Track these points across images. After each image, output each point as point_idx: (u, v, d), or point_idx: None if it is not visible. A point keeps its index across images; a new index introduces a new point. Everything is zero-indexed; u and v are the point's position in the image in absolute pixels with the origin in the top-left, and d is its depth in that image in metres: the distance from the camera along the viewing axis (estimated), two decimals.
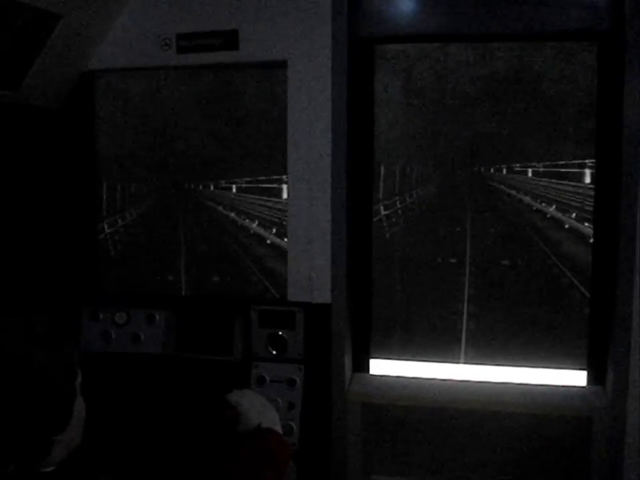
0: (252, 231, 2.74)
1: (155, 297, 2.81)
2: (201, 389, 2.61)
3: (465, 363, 2.68)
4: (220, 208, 2.76)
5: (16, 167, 2.61)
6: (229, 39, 2.54)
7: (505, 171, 2.59)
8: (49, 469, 1.42)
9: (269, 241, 2.73)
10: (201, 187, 2.78)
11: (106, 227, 2.87)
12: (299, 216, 2.57)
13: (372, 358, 2.77)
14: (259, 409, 1.76)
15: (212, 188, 2.77)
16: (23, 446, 1.36)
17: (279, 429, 1.77)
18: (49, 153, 2.74)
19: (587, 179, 2.53)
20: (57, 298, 2.74)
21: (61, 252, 2.80)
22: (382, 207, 2.70)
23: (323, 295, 2.57)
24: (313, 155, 2.53)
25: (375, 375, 2.76)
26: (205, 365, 2.65)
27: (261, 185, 2.71)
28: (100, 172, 2.85)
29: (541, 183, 2.57)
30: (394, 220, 2.71)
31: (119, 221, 2.86)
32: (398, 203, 2.69)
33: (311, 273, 2.57)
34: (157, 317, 2.73)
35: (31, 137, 2.65)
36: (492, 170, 2.60)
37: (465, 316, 2.67)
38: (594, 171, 2.52)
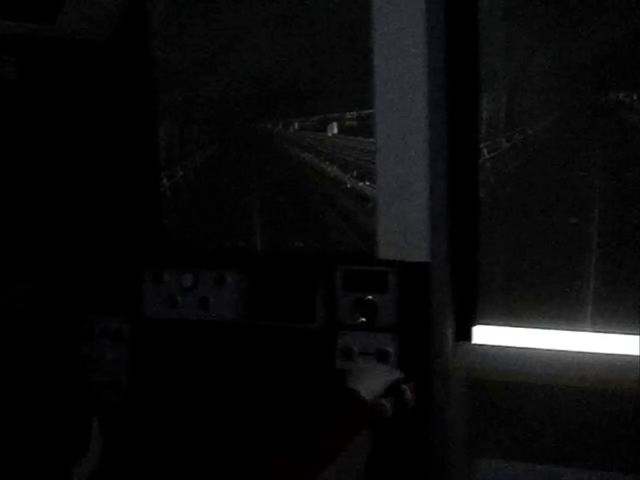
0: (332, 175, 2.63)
1: (225, 256, 2.67)
2: (278, 360, 2.46)
3: (592, 330, 2.44)
4: (297, 150, 2.66)
5: (61, 113, 2.48)
6: None
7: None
8: None
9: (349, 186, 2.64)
10: (273, 127, 2.66)
11: (167, 178, 2.78)
12: (389, 159, 2.29)
13: (478, 324, 2.56)
14: (360, 377, 2.10)
15: (287, 127, 2.65)
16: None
17: (366, 394, 2.02)
18: (96, 94, 2.60)
19: None
20: (116, 260, 2.64)
21: (118, 208, 2.69)
22: (487, 147, 2.50)
23: (419, 252, 2.32)
24: (405, 86, 2.23)
25: (482, 345, 2.55)
26: (282, 333, 2.48)
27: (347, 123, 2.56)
28: (158, 114, 2.72)
29: None
30: (502, 162, 2.52)
31: (182, 170, 2.77)
32: (506, 140, 2.50)
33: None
34: (228, 278, 2.54)
35: (75, 77, 2.51)
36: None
37: (592, 275, 2.43)
38: None
